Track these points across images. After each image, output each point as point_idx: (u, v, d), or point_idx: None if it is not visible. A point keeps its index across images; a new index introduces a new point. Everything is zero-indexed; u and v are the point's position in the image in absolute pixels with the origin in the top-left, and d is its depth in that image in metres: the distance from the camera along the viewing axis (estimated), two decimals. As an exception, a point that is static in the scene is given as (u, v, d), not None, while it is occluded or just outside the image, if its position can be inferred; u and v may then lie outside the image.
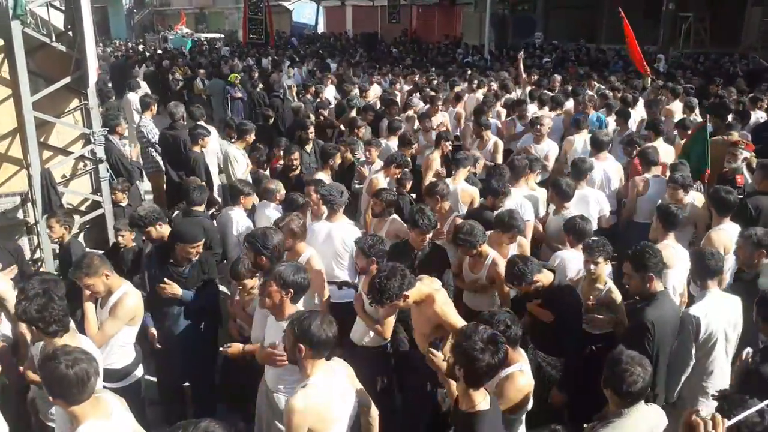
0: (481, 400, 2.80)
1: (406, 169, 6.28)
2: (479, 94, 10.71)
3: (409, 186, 6.26)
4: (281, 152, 7.21)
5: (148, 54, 22.67)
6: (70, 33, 6.03)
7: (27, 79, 5.51)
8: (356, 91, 10.92)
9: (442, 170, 6.77)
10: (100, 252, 4.72)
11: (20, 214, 6.16)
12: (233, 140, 7.55)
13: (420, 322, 3.72)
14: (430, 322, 3.61)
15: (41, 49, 5.76)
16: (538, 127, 7.31)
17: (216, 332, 4.77)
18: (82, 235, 6.45)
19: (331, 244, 4.82)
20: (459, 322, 3.57)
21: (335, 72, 15.09)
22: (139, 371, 4.04)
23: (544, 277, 4.11)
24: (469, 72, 14.23)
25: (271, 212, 5.51)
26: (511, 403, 3.17)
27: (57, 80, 5.81)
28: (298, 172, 6.74)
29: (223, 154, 7.55)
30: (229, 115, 11.77)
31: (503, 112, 9.49)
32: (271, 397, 3.63)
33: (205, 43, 28.85)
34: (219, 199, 7.18)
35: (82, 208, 6.52)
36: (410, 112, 9.48)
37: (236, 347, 3.72)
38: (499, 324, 3.17)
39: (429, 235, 4.53)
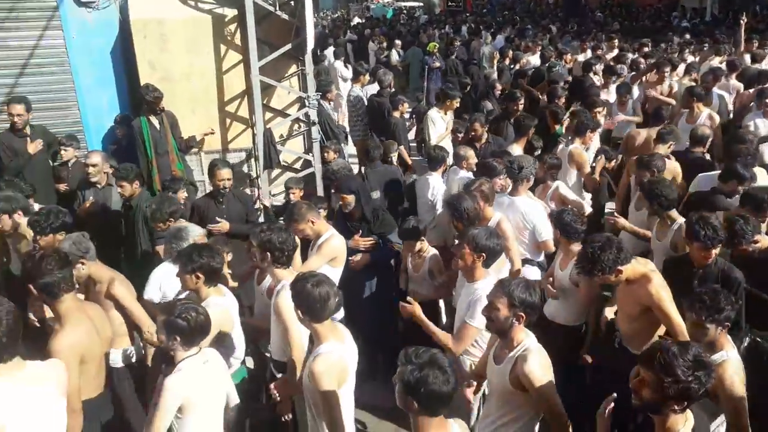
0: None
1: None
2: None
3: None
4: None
5: (351, 23, 23.84)
6: (292, 2, 6.56)
7: (255, 45, 6.13)
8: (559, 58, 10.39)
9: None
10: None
11: (245, 168, 6.95)
12: (436, 105, 7.61)
13: (628, 302, 3.47)
14: (639, 304, 3.36)
15: (267, 18, 6.32)
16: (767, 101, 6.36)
17: (391, 294, 4.79)
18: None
19: (513, 219, 4.66)
20: (673, 311, 3.27)
21: (532, 38, 14.50)
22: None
23: (764, 240, 3.71)
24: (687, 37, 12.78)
25: (461, 178, 5.53)
26: (727, 402, 2.81)
27: (280, 47, 6.37)
28: (483, 141, 6.53)
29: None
30: (425, 85, 11.92)
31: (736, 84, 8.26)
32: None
33: (405, 11, 29.53)
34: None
35: (296, 166, 7.12)
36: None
37: (416, 305, 3.64)
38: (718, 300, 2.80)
39: (715, 251, 3.61)
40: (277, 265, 3.54)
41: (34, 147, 5.72)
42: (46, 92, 6.34)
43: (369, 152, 6.04)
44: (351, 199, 4.63)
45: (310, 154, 6.90)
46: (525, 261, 4.66)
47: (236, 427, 3.47)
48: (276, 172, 7.08)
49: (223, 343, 3.52)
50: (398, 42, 14.95)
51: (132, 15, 6.05)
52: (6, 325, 2.48)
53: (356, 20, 25.39)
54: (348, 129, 8.68)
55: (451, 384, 2.23)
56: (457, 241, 3.71)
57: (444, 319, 5.04)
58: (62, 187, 5.96)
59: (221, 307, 3.47)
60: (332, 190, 5.70)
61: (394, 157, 6.55)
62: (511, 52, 11.29)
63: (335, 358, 2.85)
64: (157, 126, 5.99)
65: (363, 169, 6.37)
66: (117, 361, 3.80)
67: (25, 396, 2.57)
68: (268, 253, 3.51)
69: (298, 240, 3.86)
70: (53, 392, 2.67)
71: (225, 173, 5.11)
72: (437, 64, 12.11)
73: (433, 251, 4.59)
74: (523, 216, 4.67)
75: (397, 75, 12.42)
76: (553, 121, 7.03)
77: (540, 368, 2.74)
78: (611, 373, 3.27)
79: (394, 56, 14.20)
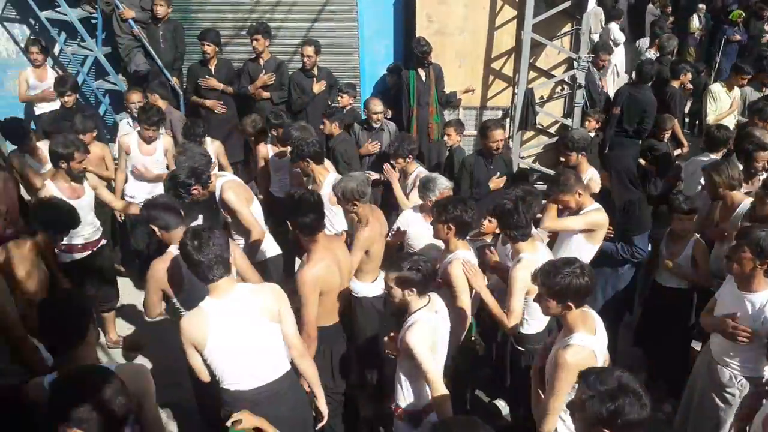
0: None
1: None
2: None
3: None
4: None
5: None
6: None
7: (533, 2, 5.93)
8: None
9: None
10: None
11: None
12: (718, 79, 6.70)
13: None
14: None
15: (549, -26, 6.07)
16: None
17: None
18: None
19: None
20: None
21: None
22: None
23: None
24: None
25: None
26: None
27: (557, 4, 6.09)
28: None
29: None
30: (716, 60, 10.40)
31: None
32: (714, 367, 3.34)
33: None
34: None
35: (551, 130, 6.87)
36: None
37: None
38: None
39: None
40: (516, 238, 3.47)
41: (318, 87, 6.37)
42: (334, 38, 6.95)
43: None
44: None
45: (569, 119, 6.58)
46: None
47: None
48: (529, 134, 6.91)
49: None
50: (702, 6, 12.78)
51: (418, -33, 6.28)
52: (209, 248, 2.66)
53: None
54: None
55: (647, 407, 1.97)
56: (734, 242, 3.23)
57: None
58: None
59: (466, 260, 3.54)
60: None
61: (667, 135, 5.92)
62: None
63: (587, 353, 2.61)
64: (423, 78, 6.22)
65: None
66: (358, 290, 4.01)
67: (230, 317, 2.73)
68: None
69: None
70: (260, 314, 2.81)
71: (499, 134, 5.09)
72: (737, 37, 10.42)
73: (695, 237, 4.13)
74: None
75: (693, 45, 10.98)
76: None
77: None
78: None
79: (695, 22, 12.28)
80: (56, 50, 7.33)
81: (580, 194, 3.88)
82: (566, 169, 4.40)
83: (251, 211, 4.15)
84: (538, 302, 2.77)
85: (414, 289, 2.91)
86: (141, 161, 5.26)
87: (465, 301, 3.47)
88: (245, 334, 2.77)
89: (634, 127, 6.42)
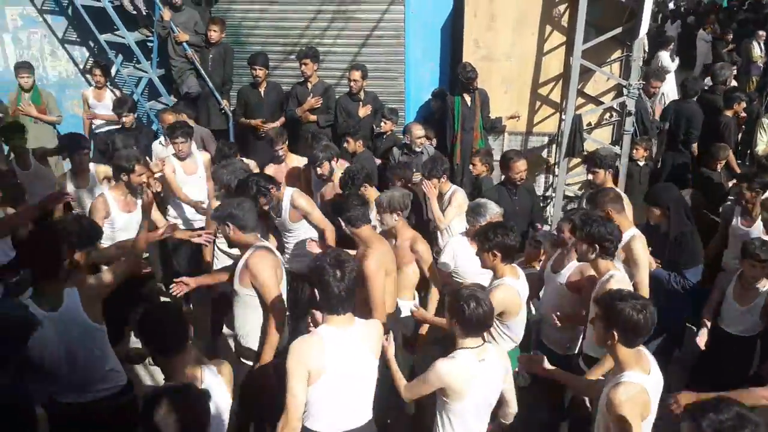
0: None
1: None
2: None
3: None
4: None
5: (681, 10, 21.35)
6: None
7: (583, 27, 5.87)
8: None
9: None
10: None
11: (544, 153, 6.82)
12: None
13: None
14: None
15: (600, 0, 6.00)
16: None
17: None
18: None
19: None
20: None
21: None
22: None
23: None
24: None
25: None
26: None
27: (607, 30, 6.01)
28: None
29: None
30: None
31: None
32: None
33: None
34: None
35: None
36: None
37: None
38: None
39: None
40: (604, 256, 3.35)
41: (364, 111, 6.43)
42: (381, 63, 7.02)
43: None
44: (658, 213, 4.18)
45: (618, 146, 6.45)
46: None
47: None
48: (576, 161, 6.80)
49: (504, 322, 3.52)
50: (762, 33, 12.18)
51: (467, -8, 6.30)
52: (347, 281, 2.65)
53: (672, 5, 22.29)
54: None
55: None
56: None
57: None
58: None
59: (512, 289, 3.46)
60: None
61: (720, 164, 5.74)
62: None
63: (637, 390, 2.47)
64: (469, 103, 6.20)
65: None
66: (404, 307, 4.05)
67: (348, 349, 2.69)
68: (596, 245, 3.32)
69: None
70: (370, 351, 2.79)
71: (521, 164, 5.10)
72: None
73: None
74: None
75: (756, 74, 10.66)
76: None
77: None
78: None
79: (755, 50, 11.77)
80: (113, 71, 7.59)
81: (609, 212, 3.80)
82: (607, 186, 4.36)
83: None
84: (593, 324, 2.68)
85: (457, 323, 2.79)
86: (184, 181, 5.35)
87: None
88: (358, 368, 2.73)
89: (681, 137, 6.56)
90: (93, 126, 6.81)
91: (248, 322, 3.54)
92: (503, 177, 5.33)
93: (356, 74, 6.31)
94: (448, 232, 4.84)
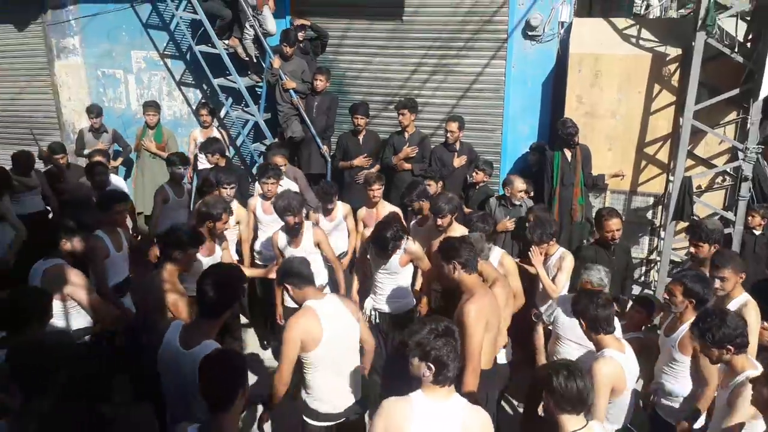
0: None
1: None
2: None
3: None
4: None
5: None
6: (749, 44, 5.83)
7: (696, 88, 5.63)
8: None
9: None
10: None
11: (649, 215, 6.51)
12: None
13: None
14: None
15: (714, 60, 5.75)
16: None
17: None
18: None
19: None
20: None
21: None
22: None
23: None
24: None
25: None
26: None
27: (722, 91, 5.73)
28: None
29: None
30: None
31: None
32: None
33: None
34: None
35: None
36: None
37: None
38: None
39: None
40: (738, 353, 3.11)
41: (458, 162, 6.42)
42: (479, 115, 7.04)
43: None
44: None
45: (731, 212, 6.04)
46: None
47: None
48: (683, 225, 6.42)
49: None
50: None
51: (571, 49, 6.22)
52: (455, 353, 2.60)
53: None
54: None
55: None
56: None
57: None
58: None
59: (615, 363, 3.25)
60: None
61: None
62: None
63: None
64: (569, 159, 6.05)
65: None
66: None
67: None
68: (727, 347, 3.07)
69: None
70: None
71: (614, 223, 4.89)
72: None
73: None
74: None
75: None
76: None
77: None
78: None
79: None
80: (222, 113, 8.05)
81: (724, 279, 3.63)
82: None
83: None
84: None
85: (550, 400, 2.66)
86: (265, 220, 5.56)
87: (600, 405, 3.15)
88: None
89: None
90: (198, 164, 7.24)
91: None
92: (598, 235, 5.13)
93: (453, 125, 6.34)
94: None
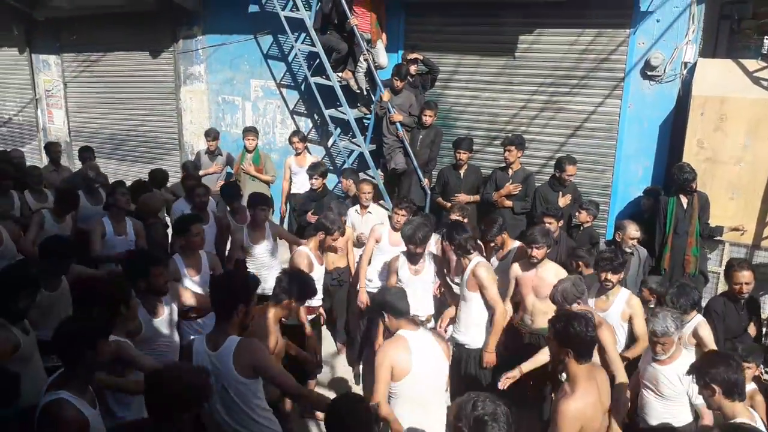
0: None
1: None
2: None
3: None
4: None
5: None
6: None
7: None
8: None
9: None
10: None
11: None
12: None
13: None
14: None
15: None
16: None
17: None
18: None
19: None
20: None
21: None
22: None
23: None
24: None
25: None
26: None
27: None
28: None
29: None
30: None
31: None
32: None
33: None
34: None
35: None
36: None
37: None
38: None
39: None
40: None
41: (564, 201, 6.21)
42: (588, 154, 6.81)
43: None
44: None
45: None
46: None
47: None
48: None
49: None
50: None
51: (694, 90, 5.90)
52: None
53: None
54: None
55: None
56: None
57: None
58: None
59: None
60: None
61: None
62: None
63: None
64: (685, 206, 5.69)
65: None
66: None
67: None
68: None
69: None
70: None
71: (745, 276, 4.60)
72: None
73: None
74: None
75: None
76: None
77: None
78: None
79: None
80: (329, 142, 8.31)
81: None
82: None
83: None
84: None
85: None
86: (389, 251, 5.53)
87: None
88: None
89: None
90: (292, 188, 7.63)
91: None
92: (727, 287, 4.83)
93: (573, 169, 6.16)
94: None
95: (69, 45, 10.54)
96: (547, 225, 5.32)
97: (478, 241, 5.26)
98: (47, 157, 8.18)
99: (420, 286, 4.91)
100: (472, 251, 4.60)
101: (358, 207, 6.22)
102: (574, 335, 2.96)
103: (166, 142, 9.92)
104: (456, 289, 4.98)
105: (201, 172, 7.82)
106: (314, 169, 6.68)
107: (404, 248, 4.88)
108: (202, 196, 5.98)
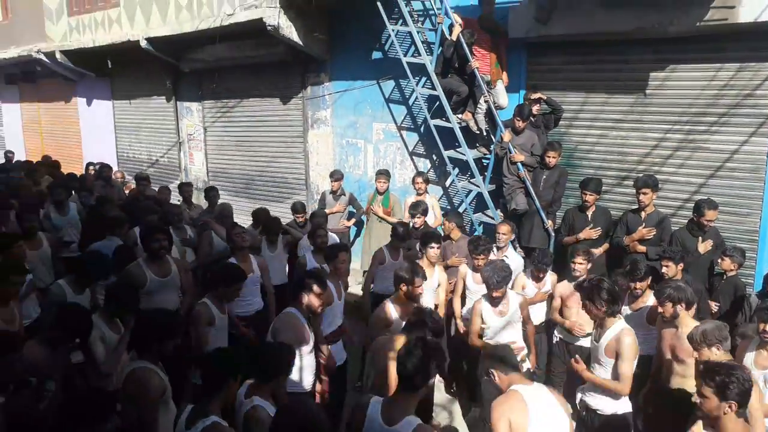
0: None
1: None
2: None
3: None
4: None
5: None
6: None
7: None
8: None
9: None
10: None
11: None
12: None
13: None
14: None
15: None
16: None
17: None
18: None
19: None
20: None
21: None
22: None
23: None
24: None
25: None
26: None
27: None
28: None
29: None
30: None
31: None
32: None
33: None
34: None
35: None
36: None
37: None
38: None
39: None
40: None
41: (704, 247, 5.76)
42: (730, 196, 6.29)
43: None
44: None
45: None
46: None
47: None
48: None
49: None
50: None
51: None
52: None
53: None
54: None
55: None
56: None
57: None
58: None
59: None
60: None
61: None
62: None
63: None
64: None
65: None
66: None
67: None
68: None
69: None
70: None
71: None
72: None
73: None
74: None
75: None
76: None
77: None
78: None
79: None
80: (448, 182, 8.34)
81: None
82: None
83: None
84: None
85: None
86: (474, 289, 5.62)
87: None
88: None
89: None
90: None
91: None
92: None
93: (711, 213, 5.71)
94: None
95: (209, 93, 11.55)
96: (664, 269, 5.11)
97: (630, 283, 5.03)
98: (180, 196, 8.87)
99: (506, 326, 4.99)
100: (619, 312, 4.28)
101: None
102: (737, 384, 2.87)
103: (293, 182, 10.46)
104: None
105: (326, 210, 8.12)
106: (415, 208, 6.74)
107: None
108: (321, 237, 6.28)
